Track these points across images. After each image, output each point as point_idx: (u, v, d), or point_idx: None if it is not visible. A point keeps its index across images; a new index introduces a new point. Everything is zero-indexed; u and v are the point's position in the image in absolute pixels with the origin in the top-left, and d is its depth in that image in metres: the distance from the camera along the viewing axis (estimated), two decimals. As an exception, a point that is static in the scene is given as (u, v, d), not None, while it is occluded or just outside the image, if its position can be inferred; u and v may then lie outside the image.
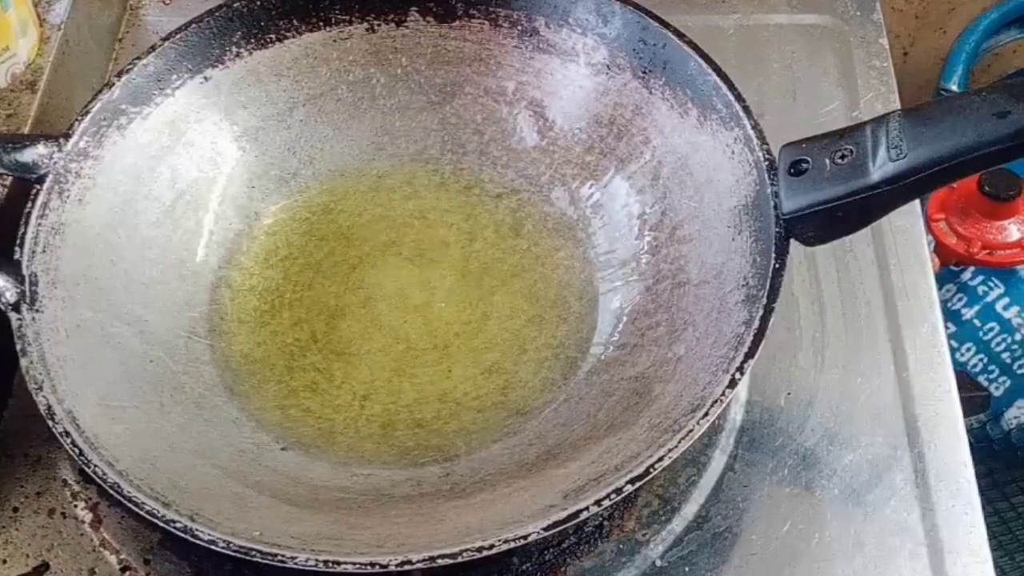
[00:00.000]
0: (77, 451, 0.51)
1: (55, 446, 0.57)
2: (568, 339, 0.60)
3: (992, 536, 0.57)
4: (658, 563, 0.55)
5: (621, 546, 0.56)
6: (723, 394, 0.50)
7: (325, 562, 0.47)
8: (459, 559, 0.47)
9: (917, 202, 0.65)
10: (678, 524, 0.56)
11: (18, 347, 0.54)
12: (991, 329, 1.03)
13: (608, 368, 0.58)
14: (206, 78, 0.64)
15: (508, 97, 0.66)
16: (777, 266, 0.53)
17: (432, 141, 0.67)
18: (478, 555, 0.47)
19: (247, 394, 0.59)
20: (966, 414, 0.60)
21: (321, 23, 0.66)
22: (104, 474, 0.50)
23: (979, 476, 0.57)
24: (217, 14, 0.64)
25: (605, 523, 0.56)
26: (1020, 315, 1.02)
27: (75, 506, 0.57)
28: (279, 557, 0.47)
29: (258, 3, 0.64)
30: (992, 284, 1.03)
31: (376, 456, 0.57)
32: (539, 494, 0.51)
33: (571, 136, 0.65)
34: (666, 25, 0.61)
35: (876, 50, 0.74)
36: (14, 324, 0.54)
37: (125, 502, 0.49)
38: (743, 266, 0.55)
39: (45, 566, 0.56)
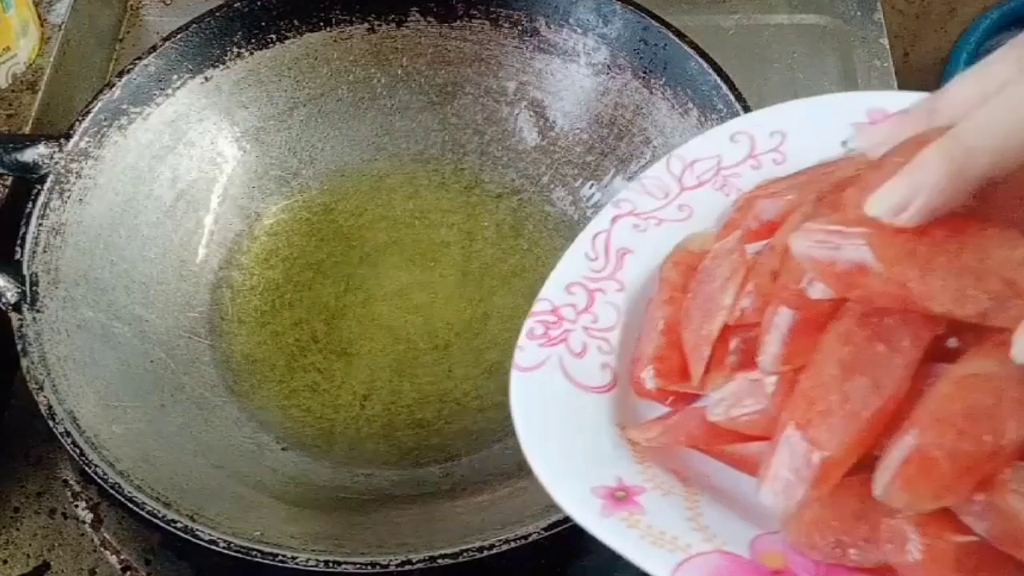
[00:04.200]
0: (78, 451, 0.51)
1: (56, 446, 0.57)
2: (569, 339, 0.60)
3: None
4: (658, 563, 0.55)
5: (622, 546, 0.56)
6: (723, 394, 0.50)
7: (325, 562, 0.47)
8: (459, 559, 0.47)
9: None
10: (679, 524, 0.56)
11: (19, 347, 0.54)
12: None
13: (609, 368, 0.58)
14: (207, 78, 0.64)
15: (509, 97, 0.66)
16: (778, 266, 0.53)
17: (433, 141, 0.67)
18: (478, 555, 0.47)
19: (248, 394, 0.59)
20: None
21: (322, 23, 0.66)
22: (105, 474, 0.50)
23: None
24: (218, 14, 0.64)
25: (606, 523, 0.56)
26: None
27: (76, 506, 0.57)
28: (279, 557, 0.47)
29: (259, 3, 0.64)
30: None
31: (377, 456, 0.57)
32: (539, 494, 0.50)
33: (572, 136, 0.65)
34: (667, 25, 0.61)
35: (877, 50, 0.74)
36: (15, 324, 0.54)
37: (126, 502, 0.50)
38: (744, 266, 0.55)
39: (46, 566, 0.56)
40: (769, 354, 0.34)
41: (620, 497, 0.35)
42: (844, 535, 0.32)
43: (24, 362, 0.53)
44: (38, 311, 0.55)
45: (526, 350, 0.39)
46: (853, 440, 0.32)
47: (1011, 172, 0.31)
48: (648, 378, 0.39)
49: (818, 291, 0.34)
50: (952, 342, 0.32)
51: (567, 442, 0.37)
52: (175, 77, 0.63)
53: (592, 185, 0.64)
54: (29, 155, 0.59)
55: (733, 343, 0.37)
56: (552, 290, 0.42)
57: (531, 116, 0.66)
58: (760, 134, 0.44)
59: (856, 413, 0.32)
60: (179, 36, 0.63)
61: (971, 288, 0.31)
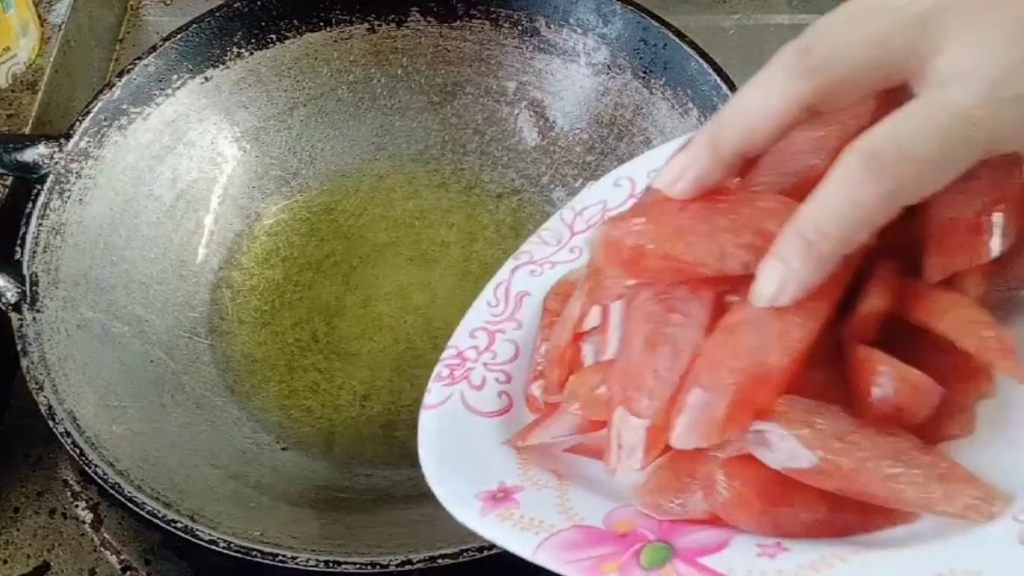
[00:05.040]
0: (78, 451, 0.51)
1: (56, 446, 0.57)
2: (569, 339, 0.60)
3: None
4: (658, 563, 0.55)
5: (621, 546, 0.56)
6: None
7: (326, 562, 0.47)
8: (459, 559, 0.47)
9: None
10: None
11: (19, 347, 0.54)
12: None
13: (608, 368, 0.58)
14: (207, 78, 0.64)
15: (509, 97, 0.66)
16: (777, 266, 0.53)
17: (433, 141, 0.67)
18: (478, 555, 0.47)
19: (248, 394, 0.59)
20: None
21: (322, 23, 0.66)
22: (105, 474, 0.50)
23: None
24: (218, 14, 0.64)
25: (605, 523, 0.56)
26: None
27: (76, 506, 0.57)
28: (279, 557, 0.47)
29: (259, 3, 0.64)
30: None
31: (377, 456, 0.57)
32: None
33: (572, 136, 0.65)
34: (667, 25, 0.61)
35: (877, 50, 0.74)
36: (15, 324, 0.55)
37: (126, 502, 0.50)
38: (743, 266, 0.55)
39: (46, 566, 0.56)
40: (611, 345, 0.38)
41: (500, 497, 0.38)
42: (680, 493, 0.35)
43: (24, 362, 0.53)
44: (38, 311, 0.55)
45: (432, 391, 0.43)
46: (668, 405, 0.35)
47: (768, 148, 0.36)
48: (538, 393, 0.42)
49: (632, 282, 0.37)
50: (732, 297, 0.36)
51: (460, 461, 0.41)
52: (175, 77, 0.63)
53: (592, 185, 0.64)
54: (29, 155, 0.59)
55: (586, 348, 0.40)
56: (458, 337, 0.46)
57: (531, 116, 0.66)
58: (639, 175, 0.48)
59: (665, 380, 0.35)
60: (179, 36, 0.63)
61: (730, 246, 0.35)
